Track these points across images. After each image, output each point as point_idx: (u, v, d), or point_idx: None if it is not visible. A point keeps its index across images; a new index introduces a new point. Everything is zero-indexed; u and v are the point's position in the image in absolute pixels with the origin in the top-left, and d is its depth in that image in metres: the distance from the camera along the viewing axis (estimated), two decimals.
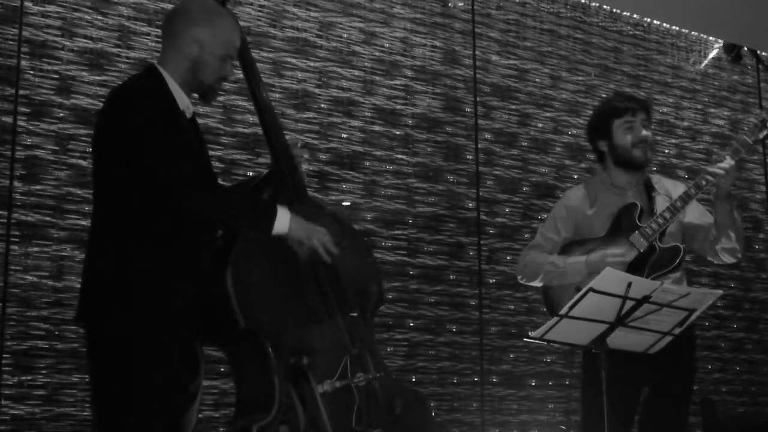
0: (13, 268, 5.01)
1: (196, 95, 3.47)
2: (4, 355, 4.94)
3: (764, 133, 4.32)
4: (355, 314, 3.38)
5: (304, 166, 3.74)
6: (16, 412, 4.90)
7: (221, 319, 3.25)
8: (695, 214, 4.45)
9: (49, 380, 5.02)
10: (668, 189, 4.46)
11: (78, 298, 3.32)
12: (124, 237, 3.20)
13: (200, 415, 5.08)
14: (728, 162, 4.23)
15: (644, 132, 4.37)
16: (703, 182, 4.25)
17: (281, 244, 3.31)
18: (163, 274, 3.19)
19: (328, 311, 3.35)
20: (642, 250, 4.22)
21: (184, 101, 3.37)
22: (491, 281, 6.67)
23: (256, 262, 3.32)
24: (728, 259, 4.43)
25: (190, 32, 3.37)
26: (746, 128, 4.38)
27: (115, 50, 5.42)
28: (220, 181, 3.70)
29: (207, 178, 3.28)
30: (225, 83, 3.68)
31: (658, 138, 7.74)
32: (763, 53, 8.44)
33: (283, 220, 3.25)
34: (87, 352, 3.27)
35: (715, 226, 4.34)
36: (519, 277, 4.57)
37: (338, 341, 3.33)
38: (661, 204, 4.35)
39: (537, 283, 4.47)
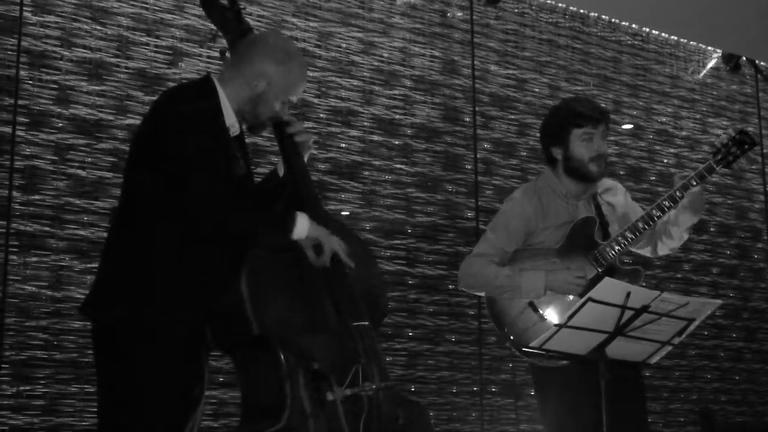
0: (11, 278, 5.01)
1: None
2: (3, 365, 4.94)
3: (728, 159, 4.20)
4: (366, 323, 3.38)
5: (312, 149, 3.72)
6: (14, 422, 4.89)
7: (233, 325, 3.26)
8: (636, 211, 4.31)
9: (47, 390, 5.02)
10: (607, 197, 4.31)
11: (91, 288, 3.31)
12: (145, 235, 3.21)
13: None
14: (697, 189, 4.10)
15: (604, 148, 4.16)
16: (667, 204, 4.12)
17: (295, 252, 3.32)
18: (178, 278, 3.19)
19: (340, 319, 3.35)
20: (601, 271, 4.12)
21: (231, 118, 3.37)
22: None
23: (270, 269, 3.32)
24: (662, 253, 4.34)
25: (263, 66, 3.38)
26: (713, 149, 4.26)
27: (114, 60, 5.43)
28: None
29: (230, 192, 3.26)
30: None
31: (656, 147, 7.76)
32: (762, 63, 8.46)
33: (302, 225, 3.27)
34: (93, 346, 3.26)
35: (670, 229, 4.21)
36: (460, 286, 4.33)
37: (349, 350, 3.33)
38: (608, 215, 4.24)
39: (480, 293, 4.29)
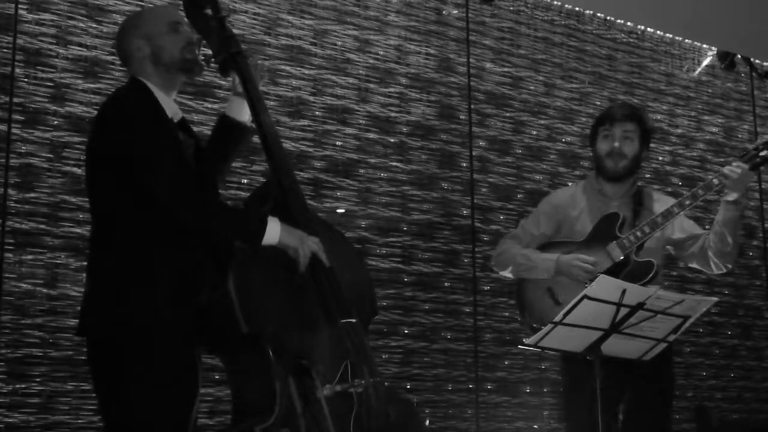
0: (7, 276, 5.00)
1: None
2: None
3: (756, 160, 4.27)
4: (354, 320, 3.39)
5: (263, 80, 3.72)
6: (10, 420, 4.89)
7: (221, 323, 3.26)
8: (681, 227, 4.43)
9: (43, 388, 5.01)
10: (655, 208, 4.42)
11: (80, 310, 3.33)
12: (121, 246, 3.23)
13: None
14: (738, 166, 4.20)
15: (616, 143, 4.36)
16: (687, 201, 4.22)
17: (281, 250, 3.32)
18: (161, 279, 3.21)
19: (328, 316, 3.36)
20: (617, 261, 4.21)
21: (171, 107, 3.42)
22: (486, 288, 6.67)
23: (257, 268, 3.33)
24: (719, 268, 4.39)
25: (131, 39, 3.48)
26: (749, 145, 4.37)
27: (109, 58, 5.42)
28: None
29: (197, 190, 3.28)
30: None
31: (651, 145, 7.74)
32: (756, 61, 8.46)
33: (273, 231, 3.27)
34: (89, 363, 3.27)
35: (714, 231, 4.31)
36: (492, 264, 4.62)
37: (338, 347, 3.34)
38: (645, 219, 4.34)
39: (507, 273, 4.51)
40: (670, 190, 7.39)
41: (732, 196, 4.22)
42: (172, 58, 3.44)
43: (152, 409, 3.14)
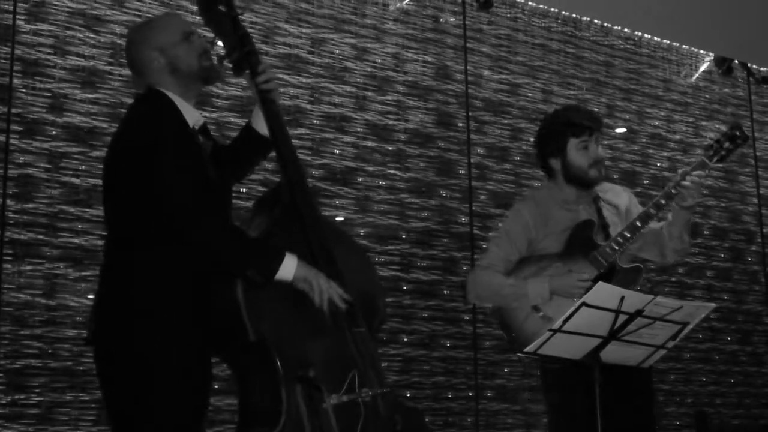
0: (6, 286, 5.00)
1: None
2: None
3: (721, 153, 4.33)
4: (362, 329, 3.38)
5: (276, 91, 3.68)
6: (10, 431, 4.88)
7: (229, 331, 3.26)
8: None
9: (42, 399, 5.01)
10: (610, 198, 4.37)
11: (91, 318, 3.30)
12: (133, 254, 3.20)
13: None
14: (698, 176, 4.20)
15: (600, 152, 4.25)
16: (663, 201, 4.19)
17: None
18: (173, 287, 3.19)
19: (336, 325, 3.35)
20: (602, 271, 4.16)
21: (193, 115, 3.36)
22: None
23: None
24: (674, 259, 4.40)
25: (144, 51, 3.41)
26: (705, 146, 4.38)
27: (107, 68, 5.43)
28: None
29: (212, 215, 3.25)
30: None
31: (650, 151, 7.77)
32: (754, 66, 8.48)
33: (289, 266, 3.24)
34: (99, 374, 3.25)
35: (669, 230, 4.29)
36: (470, 297, 4.41)
37: (346, 355, 3.33)
38: (609, 216, 4.30)
39: (490, 304, 4.36)
40: None
41: (689, 203, 4.22)
42: (190, 67, 3.40)
43: (167, 418, 3.12)
